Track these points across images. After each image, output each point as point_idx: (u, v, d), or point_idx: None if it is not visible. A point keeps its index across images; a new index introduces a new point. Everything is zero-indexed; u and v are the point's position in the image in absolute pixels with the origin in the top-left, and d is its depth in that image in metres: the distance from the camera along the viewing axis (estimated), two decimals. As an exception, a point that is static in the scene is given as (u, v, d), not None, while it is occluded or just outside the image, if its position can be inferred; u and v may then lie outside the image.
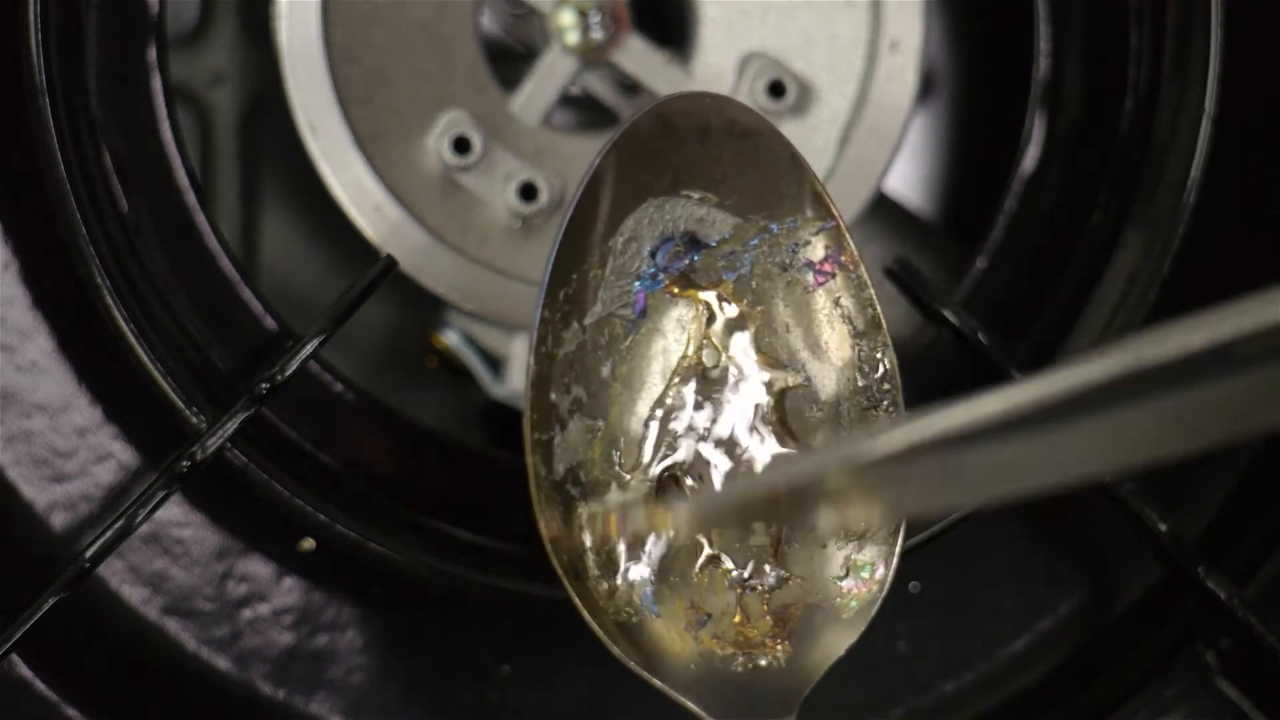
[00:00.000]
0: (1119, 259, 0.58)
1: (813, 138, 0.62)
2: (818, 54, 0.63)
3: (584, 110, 0.68)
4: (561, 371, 0.47)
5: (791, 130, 0.62)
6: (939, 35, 0.73)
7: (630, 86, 0.65)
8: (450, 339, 0.65)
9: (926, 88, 0.72)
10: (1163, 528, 0.55)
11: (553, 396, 0.47)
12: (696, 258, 0.48)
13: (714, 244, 0.48)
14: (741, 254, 0.48)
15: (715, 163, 0.48)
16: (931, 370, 0.63)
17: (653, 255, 0.47)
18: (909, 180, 0.72)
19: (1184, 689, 0.55)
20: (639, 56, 0.62)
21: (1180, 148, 0.56)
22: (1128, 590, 0.59)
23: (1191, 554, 0.55)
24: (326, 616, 0.56)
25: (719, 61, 0.62)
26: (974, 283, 0.63)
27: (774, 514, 0.45)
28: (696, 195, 0.48)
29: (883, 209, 0.66)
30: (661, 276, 0.48)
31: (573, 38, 0.62)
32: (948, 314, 0.57)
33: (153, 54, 0.58)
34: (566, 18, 0.62)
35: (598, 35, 0.62)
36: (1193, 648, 0.56)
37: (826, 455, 0.40)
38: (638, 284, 0.47)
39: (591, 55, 0.62)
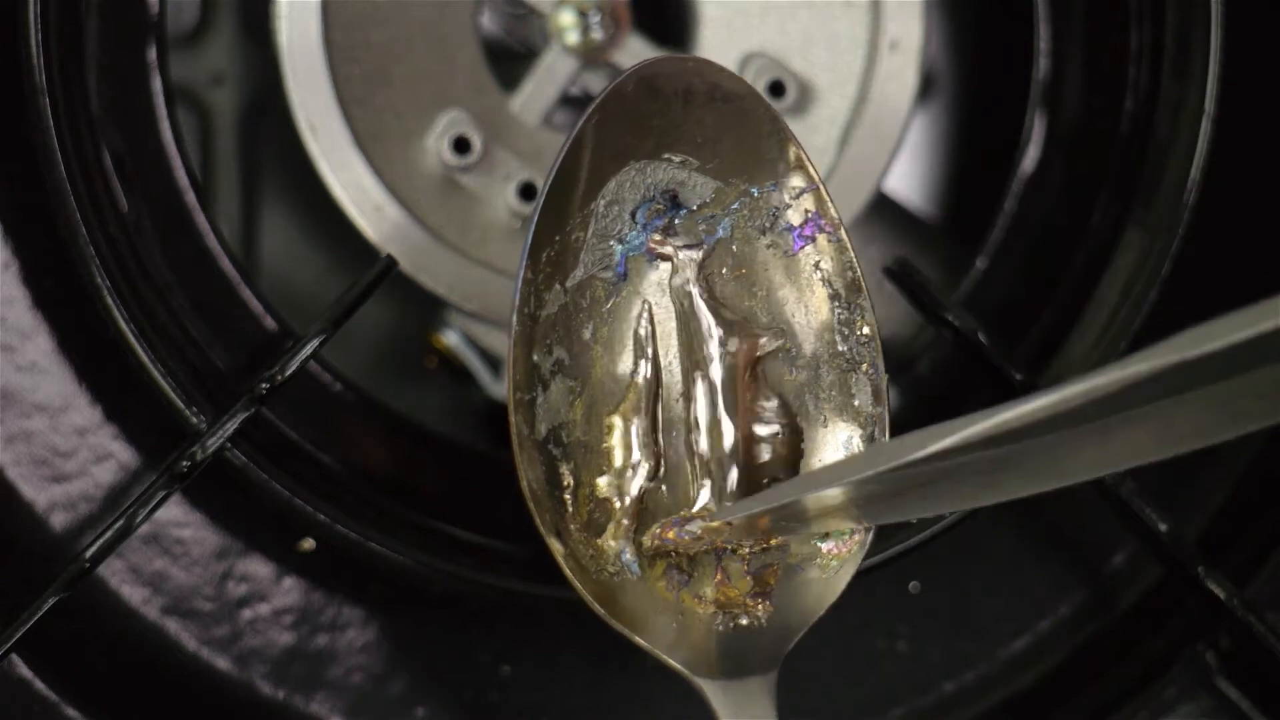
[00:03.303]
0: (1119, 259, 0.58)
1: (813, 138, 0.62)
2: (818, 54, 0.63)
3: (584, 110, 0.68)
4: (544, 333, 0.47)
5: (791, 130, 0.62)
6: (939, 35, 0.73)
7: (630, 86, 0.65)
8: (450, 339, 0.65)
9: (926, 88, 0.72)
10: (1163, 528, 0.55)
11: (535, 357, 0.47)
12: (677, 219, 0.48)
13: (695, 207, 0.48)
14: (722, 218, 0.48)
15: (697, 126, 0.48)
16: (931, 370, 0.63)
17: (633, 217, 0.48)
18: (909, 180, 0.72)
19: (1184, 689, 0.55)
20: (639, 56, 0.62)
21: (1180, 148, 0.56)
22: (1128, 590, 0.59)
23: (1191, 554, 0.55)
24: (326, 616, 0.56)
25: (719, 61, 0.62)
26: (974, 283, 0.63)
27: (819, 519, 0.46)
28: (678, 159, 0.48)
29: (883, 209, 0.66)
30: (642, 238, 0.48)
31: (573, 38, 0.62)
32: (948, 314, 0.57)
33: (153, 54, 0.58)
34: (566, 18, 0.62)
35: (598, 35, 0.62)
36: (1193, 648, 0.56)
37: (873, 459, 0.41)
38: (619, 247, 0.48)
39: (591, 55, 0.62)
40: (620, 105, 0.47)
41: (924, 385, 0.63)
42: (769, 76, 0.62)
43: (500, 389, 0.65)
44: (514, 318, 0.46)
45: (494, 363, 0.65)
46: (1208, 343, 0.31)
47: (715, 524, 0.46)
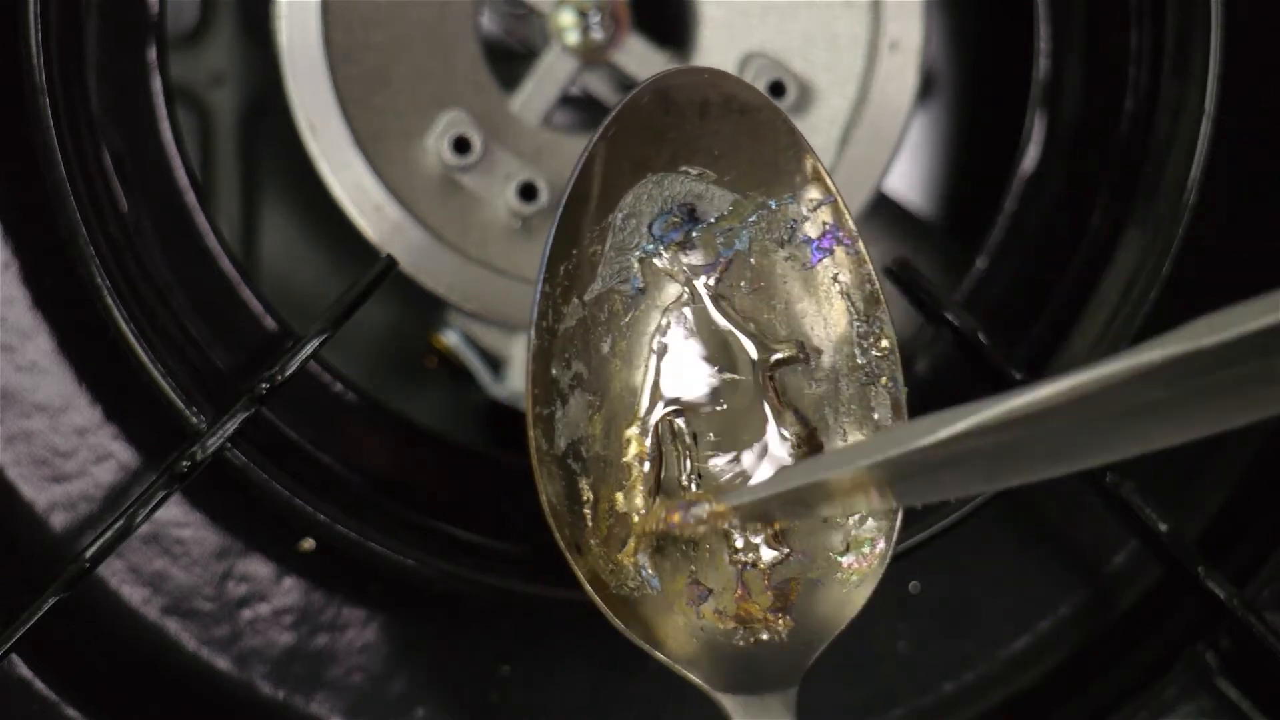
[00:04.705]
0: (1119, 259, 0.58)
1: (813, 138, 0.62)
2: (818, 54, 0.63)
3: (584, 110, 0.68)
4: (563, 346, 0.46)
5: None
6: (939, 35, 0.73)
7: (630, 87, 0.65)
8: (450, 339, 0.65)
9: (926, 88, 0.72)
10: (1163, 528, 0.55)
11: (554, 371, 0.46)
12: (695, 232, 0.48)
13: (712, 220, 0.48)
14: (739, 230, 0.48)
15: (714, 138, 0.47)
16: (931, 370, 0.63)
17: (651, 230, 0.47)
18: (909, 180, 0.72)
19: (1184, 689, 0.55)
20: (639, 56, 0.62)
21: (1180, 148, 0.56)
22: (1128, 590, 0.59)
23: (1191, 554, 0.55)
24: (326, 616, 0.56)
25: (719, 61, 0.62)
26: (974, 283, 0.63)
27: (825, 502, 0.45)
28: (695, 171, 0.47)
29: (883, 209, 0.66)
30: (661, 250, 0.47)
31: (573, 38, 0.62)
32: (948, 314, 0.57)
33: (153, 54, 0.58)
34: (566, 18, 0.62)
35: (598, 35, 0.62)
36: (1193, 648, 0.56)
37: (876, 446, 0.40)
38: (637, 259, 0.47)
39: (591, 55, 0.62)
40: (636, 118, 0.47)
41: (924, 385, 0.63)
42: (769, 77, 0.62)
43: (499, 389, 0.65)
44: (532, 331, 0.46)
45: (494, 363, 0.65)
46: (1222, 332, 0.31)
47: (720, 508, 0.46)
